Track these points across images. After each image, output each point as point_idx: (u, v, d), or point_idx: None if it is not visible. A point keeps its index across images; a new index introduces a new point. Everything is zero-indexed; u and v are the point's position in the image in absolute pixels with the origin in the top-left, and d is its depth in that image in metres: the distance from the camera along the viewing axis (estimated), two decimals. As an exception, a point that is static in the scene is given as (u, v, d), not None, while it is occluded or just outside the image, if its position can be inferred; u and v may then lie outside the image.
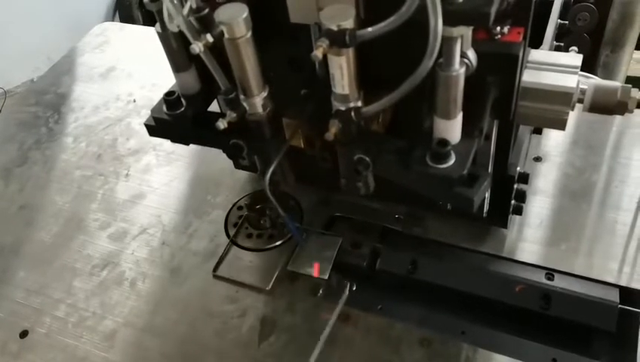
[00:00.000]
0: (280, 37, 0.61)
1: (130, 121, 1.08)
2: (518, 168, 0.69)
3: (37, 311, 0.80)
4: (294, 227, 0.67)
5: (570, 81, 0.59)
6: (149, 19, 0.70)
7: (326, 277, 0.76)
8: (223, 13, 0.52)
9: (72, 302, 0.80)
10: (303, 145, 0.69)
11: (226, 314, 0.75)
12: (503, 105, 0.56)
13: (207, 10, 0.53)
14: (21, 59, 2.57)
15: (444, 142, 0.52)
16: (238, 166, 0.85)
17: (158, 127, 0.68)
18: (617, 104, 0.61)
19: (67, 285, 0.83)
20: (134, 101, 1.12)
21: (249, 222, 0.86)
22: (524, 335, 0.69)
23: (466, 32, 0.48)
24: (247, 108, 0.58)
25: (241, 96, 0.59)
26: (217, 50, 0.56)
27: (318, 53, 0.47)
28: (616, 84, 0.62)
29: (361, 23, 0.53)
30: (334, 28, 0.47)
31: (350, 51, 0.50)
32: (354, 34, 0.47)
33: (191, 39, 0.53)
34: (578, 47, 1.35)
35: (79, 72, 1.23)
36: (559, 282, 0.71)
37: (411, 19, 0.45)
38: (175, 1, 0.53)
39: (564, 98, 0.60)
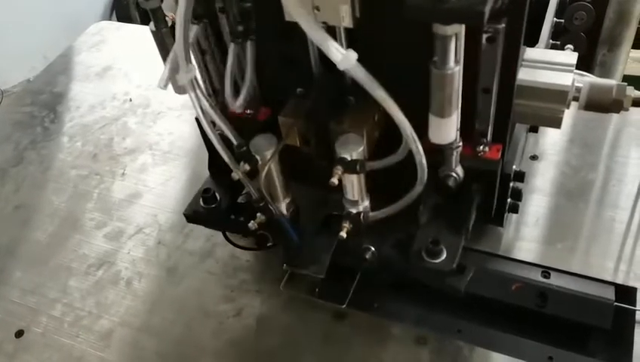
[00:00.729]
0: (275, 36, 0.62)
1: (126, 120, 1.07)
2: (514, 166, 0.69)
3: (33, 311, 0.80)
4: (290, 227, 0.68)
5: (566, 79, 0.59)
6: (146, 19, 0.70)
7: (322, 276, 0.76)
8: (257, 144, 0.62)
9: (67, 302, 0.80)
10: (298, 144, 0.68)
11: (222, 313, 0.75)
12: (486, 207, 0.67)
13: (245, 148, 0.62)
14: (18, 58, 2.56)
15: (436, 242, 0.62)
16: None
17: (195, 217, 0.77)
18: (613, 102, 0.61)
19: (63, 285, 0.82)
20: (130, 100, 1.12)
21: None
22: (520, 334, 0.69)
23: (461, 30, 0.48)
24: (274, 211, 0.66)
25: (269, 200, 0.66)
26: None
27: (334, 180, 0.57)
28: (612, 82, 0.62)
29: (357, 20, 0.53)
30: (348, 158, 0.58)
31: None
32: (364, 165, 0.58)
33: (233, 168, 0.62)
34: (575, 46, 1.35)
35: (75, 71, 1.22)
36: (555, 280, 0.71)
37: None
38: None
39: (559, 96, 0.60)
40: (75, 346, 0.75)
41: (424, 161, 0.54)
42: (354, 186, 0.61)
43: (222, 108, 0.70)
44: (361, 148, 0.58)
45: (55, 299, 0.81)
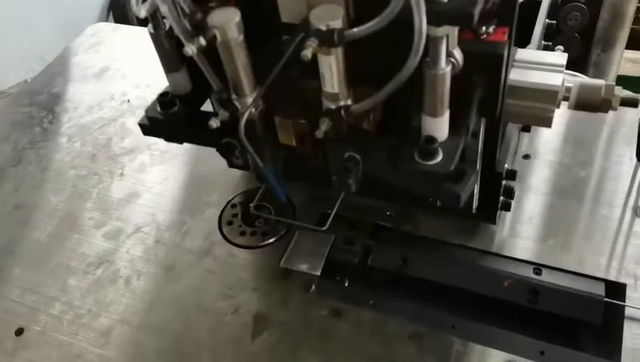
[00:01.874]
0: (271, 36, 0.62)
1: (124, 120, 1.08)
2: (506, 165, 0.70)
3: (32, 309, 0.81)
4: (276, 182, 0.65)
5: (556, 79, 0.61)
6: (143, 20, 0.71)
7: (318, 273, 0.77)
8: (216, 18, 0.53)
9: (67, 300, 0.81)
10: (294, 144, 0.69)
11: (220, 310, 0.76)
12: (489, 104, 0.57)
13: (200, 15, 0.54)
14: (15, 59, 2.57)
15: (431, 140, 0.54)
16: (231, 165, 0.86)
17: (151, 127, 0.69)
18: (601, 102, 0.62)
19: (62, 283, 0.83)
20: (128, 101, 1.13)
21: (243, 219, 0.87)
22: (512, 329, 0.70)
23: (452, 31, 0.49)
24: (239, 107, 0.60)
25: (233, 96, 0.60)
26: (209, 51, 0.57)
27: (307, 53, 0.49)
28: (601, 82, 0.63)
29: (352, 22, 0.54)
30: (323, 28, 0.49)
31: (339, 51, 0.51)
32: (342, 33, 0.49)
33: (185, 42, 0.53)
34: (569, 47, 1.36)
35: (73, 72, 1.23)
36: (547, 277, 0.72)
37: (398, 18, 0.46)
38: (170, 6, 0.54)
39: (549, 96, 0.61)
40: (75, 344, 0.76)
41: (424, 21, 0.44)
42: (333, 71, 0.51)
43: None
44: (340, 19, 0.49)
45: (54, 297, 0.82)
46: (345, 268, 0.78)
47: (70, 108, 1.14)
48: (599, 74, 1.43)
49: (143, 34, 0.63)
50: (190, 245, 0.85)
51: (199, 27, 0.53)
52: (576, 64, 1.37)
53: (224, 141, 0.65)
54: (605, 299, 0.69)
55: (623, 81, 1.57)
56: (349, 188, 0.62)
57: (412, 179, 0.55)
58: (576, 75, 0.72)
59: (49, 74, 1.23)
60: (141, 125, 0.69)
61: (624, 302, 0.69)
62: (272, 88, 0.62)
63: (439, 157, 0.54)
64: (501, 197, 0.74)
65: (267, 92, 0.64)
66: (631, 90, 0.69)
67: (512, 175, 0.71)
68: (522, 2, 0.63)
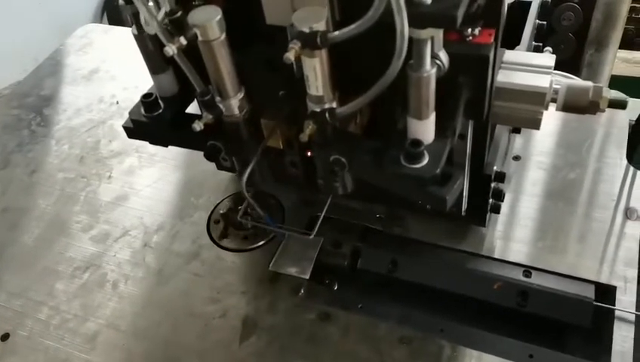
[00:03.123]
0: (257, 38, 0.62)
1: (113, 123, 1.07)
2: (496, 167, 0.70)
3: (19, 314, 0.80)
4: (275, 226, 0.68)
5: (544, 81, 0.60)
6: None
7: (307, 276, 0.77)
8: (196, 16, 0.52)
9: (53, 305, 0.80)
10: (281, 146, 0.69)
11: (208, 314, 0.76)
12: (476, 106, 0.57)
13: (180, 13, 0.53)
14: (9, 60, 2.55)
15: (417, 143, 0.53)
16: (220, 167, 0.85)
17: (136, 129, 0.68)
18: (589, 104, 0.62)
19: (49, 287, 0.82)
20: (117, 103, 1.12)
21: (231, 223, 0.86)
22: (501, 332, 0.70)
23: (437, 33, 0.49)
24: (224, 109, 0.59)
25: (217, 98, 0.59)
26: (193, 52, 0.56)
27: (290, 56, 0.48)
28: (589, 83, 0.62)
29: (337, 24, 0.54)
30: (306, 30, 0.48)
31: (323, 53, 0.51)
32: (325, 36, 0.48)
33: (165, 42, 0.52)
34: (563, 47, 1.36)
35: (62, 74, 1.22)
36: (536, 279, 0.72)
37: (381, 21, 0.45)
38: (150, 4, 0.53)
39: (537, 98, 0.60)
40: (61, 349, 0.75)
41: (406, 23, 0.43)
42: (317, 74, 0.50)
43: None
44: (323, 20, 0.48)
45: (41, 302, 0.81)
46: (334, 271, 0.78)
47: (59, 110, 1.13)
48: (593, 74, 1.43)
49: (131, 36, 0.62)
50: (178, 248, 0.85)
51: (181, 27, 0.52)
52: (569, 64, 1.38)
53: (209, 144, 0.64)
54: (595, 302, 0.69)
55: (617, 81, 1.57)
56: (336, 191, 0.62)
57: (398, 183, 0.55)
58: (567, 76, 0.72)
59: (38, 76, 1.22)
60: (125, 128, 0.68)
61: (614, 304, 0.69)
62: (257, 92, 0.63)
63: (425, 161, 0.53)
64: (490, 200, 0.74)
65: (252, 94, 0.64)
66: (625, 91, 0.69)
67: (501, 177, 0.71)
68: (512, 3, 0.62)
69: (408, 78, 0.51)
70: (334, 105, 0.54)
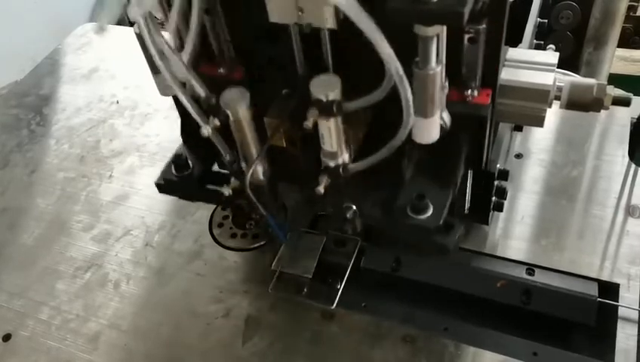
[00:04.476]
0: (260, 36, 0.62)
1: (113, 122, 1.07)
2: (498, 165, 0.70)
3: (20, 314, 0.80)
4: (277, 227, 0.68)
5: (547, 78, 0.60)
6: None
7: (310, 275, 0.77)
8: (227, 98, 0.57)
9: (55, 305, 0.80)
10: (284, 145, 0.69)
11: (210, 314, 0.75)
12: (475, 158, 0.63)
13: (213, 100, 0.57)
14: (6, 60, 2.54)
15: (422, 196, 0.58)
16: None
17: (166, 186, 0.73)
18: (593, 101, 0.62)
19: (50, 288, 0.82)
20: (117, 102, 1.11)
21: (233, 221, 0.86)
22: (505, 330, 0.69)
23: (441, 30, 0.48)
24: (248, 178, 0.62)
25: (243, 164, 0.62)
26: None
27: (309, 123, 0.53)
28: (592, 81, 0.62)
29: (341, 21, 0.54)
30: (323, 99, 0.52)
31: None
32: (340, 106, 0.53)
33: (201, 124, 0.57)
34: (562, 45, 1.36)
35: (61, 73, 1.22)
36: (539, 277, 0.72)
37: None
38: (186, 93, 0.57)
39: (541, 95, 0.60)
40: (63, 349, 0.75)
41: (410, 98, 0.48)
42: (332, 134, 0.55)
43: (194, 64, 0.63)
44: (338, 89, 0.53)
45: (42, 302, 0.81)
46: (337, 270, 0.78)
47: (58, 109, 1.13)
48: (591, 72, 1.43)
49: (132, 34, 0.61)
50: (180, 248, 0.84)
51: (214, 110, 0.57)
52: (568, 62, 1.38)
53: (235, 203, 0.68)
54: (598, 299, 0.69)
55: (615, 79, 1.57)
56: (347, 232, 0.66)
57: (404, 231, 0.59)
58: (568, 74, 0.72)
59: (37, 75, 1.22)
60: (157, 184, 0.73)
61: (617, 302, 0.69)
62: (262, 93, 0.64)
63: (429, 212, 0.58)
64: (493, 198, 0.74)
65: (257, 93, 0.65)
66: (623, 89, 0.69)
67: (504, 175, 0.71)
68: (513, 1, 0.62)
69: (414, 76, 0.51)
70: (347, 158, 0.58)
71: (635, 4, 1.96)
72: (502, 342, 0.68)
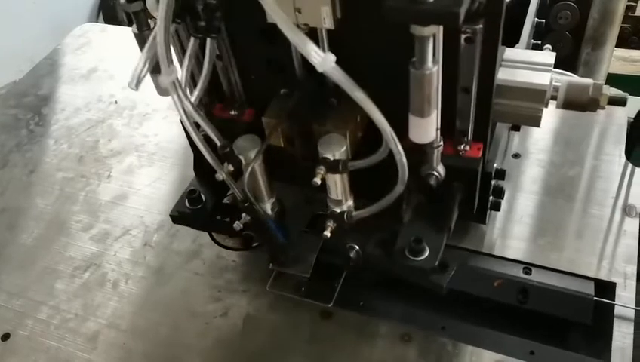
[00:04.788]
0: (258, 38, 0.62)
1: (112, 122, 1.07)
2: (496, 165, 0.70)
3: (19, 314, 0.80)
4: (276, 228, 0.69)
5: (544, 78, 0.60)
6: (131, 20, 0.70)
7: (308, 275, 0.77)
8: (240, 146, 0.62)
9: (54, 304, 0.80)
10: (282, 145, 0.69)
11: (209, 313, 0.76)
12: (468, 204, 0.67)
13: (229, 149, 0.61)
14: (4, 60, 2.54)
15: (419, 240, 0.63)
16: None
17: (180, 218, 0.77)
18: (589, 101, 0.62)
19: (49, 287, 0.82)
20: (116, 102, 1.11)
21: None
22: (502, 329, 0.70)
23: (437, 31, 0.49)
24: (260, 211, 0.67)
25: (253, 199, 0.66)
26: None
27: (317, 180, 0.58)
28: (589, 81, 0.63)
29: (338, 21, 0.54)
30: (330, 158, 0.58)
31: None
32: (346, 164, 0.58)
33: (217, 169, 0.62)
34: (560, 45, 1.36)
35: (60, 73, 1.22)
36: (536, 276, 0.72)
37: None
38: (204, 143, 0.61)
39: (537, 95, 0.61)
40: (62, 349, 0.75)
41: (404, 160, 0.54)
42: (337, 186, 0.61)
43: (206, 110, 0.71)
44: (344, 148, 0.58)
45: (41, 301, 0.81)
46: (335, 269, 0.78)
47: (57, 109, 1.13)
48: (589, 72, 1.43)
49: (130, 34, 0.62)
50: (179, 247, 0.84)
51: (228, 156, 0.62)
52: (566, 63, 1.38)
53: (244, 233, 0.72)
54: (595, 298, 0.69)
55: (614, 79, 1.58)
56: (350, 269, 0.72)
57: (403, 270, 0.65)
58: (565, 74, 0.72)
59: (36, 75, 1.22)
60: (172, 216, 0.77)
61: (614, 300, 0.69)
62: (260, 91, 0.64)
63: (426, 254, 0.63)
64: (491, 197, 0.74)
65: (255, 94, 0.67)
66: (622, 89, 0.69)
67: (501, 174, 0.71)
68: (511, 1, 0.62)
69: (410, 76, 0.51)
70: (351, 204, 0.64)
71: (634, 4, 1.96)
72: (499, 341, 0.68)
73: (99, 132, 1.06)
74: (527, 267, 0.73)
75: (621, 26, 1.36)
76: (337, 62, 0.57)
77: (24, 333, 0.78)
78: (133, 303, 0.79)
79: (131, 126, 1.06)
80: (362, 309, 0.74)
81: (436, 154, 0.61)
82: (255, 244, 0.83)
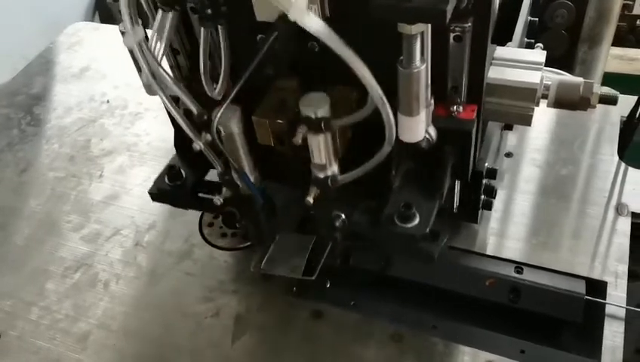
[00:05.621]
0: (248, 35, 0.62)
1: (103, 121, 1.07)
2: (487, 164, 0.70)
3: (9, 315, 0.79)
4: (253, 186, 0.67)
5: (534, 77, 0.60)
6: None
7: (299, 275, 0.76)
8: (219, 114, 0.57)
9: (44, 305, 0.80)
10: (272, 144, 0.69)
11: (200, 314, 0.75)
12: (461, 170, 0.63)
13: (206, 117, 0.58)
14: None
15: (409, 206, 0.58)
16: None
17: (160, 195, 0.74)
18: (580, 99, 0.62)
19: (40, 288, 0.82)
20: (108, 102, 1.11)
21: (223, 221, 0.86)
22: (494, 328, 0.70)
23: (426, 29, 0.48)
24: (241, 185, 0.64)
25: (235, 175, 0.62)
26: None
27: (298, 139, 0.55)
28: (579, 79, 0.62)
29: (327, 20, 0.53)
30: (312, 116, 0.54)
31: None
32: (329, 122, 0.54)
33: (194, 139, 0.59)
34: (557, 44, 1.36)
35: (52, 72, 1.21)
36: (528, 275, 0.72)
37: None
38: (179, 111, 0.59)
39: (528, 94, 0.60)
40: (52, 349, 0.75)
41: (392, 118, 0.50)
42: (320, 148, 0.57)
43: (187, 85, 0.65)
44: (327, 106, 0.54)
45: (32, 302, 0.80)
46: (326, 269, 0.77)
47: (49, 109, 1.12)
48: (586, 71, 1.43)
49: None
50: (170, 247, 0.84)
51: (206, 125, 0.58)
52: (563, 61, 1.38)
53: (227, 210, 0.69)
54: (586, 297, 0.69)
55: (610, 78, 1.58)
56: (336, 240, 0.67)
57: (392, 239, 0.60)
58: (556, 73, 0.72)
59: (28, 74, 1.21)
60: (150, 193, 0.74)
61: (605, 299, 0.69)
62: (249, 87, 0.63)
63: (416, 221, 0.59)
64: (482, 196, 0.74)
65: (244, 90, 0.65)
66: (618, 88, 0.69)
67: (492, 173, 0.71)
68: (503, 0, 0.62)
69: (398, 74, 0.51)
70: (336, 170, 0.59)
71: (630, 2, 1.96)
72: (490, 340, 0.68)
73: (90, 131, 1.05)
74: (519, 266, 0.73)
75: (617, 25, 1.35)
76: (327, 58, 0.57)
77: (14, 334, 0.77)
78: (124, 303, 0.79)
79: (123, 125, 1.05)
80: (354, 309, 0.74)
81: (427, 113, 0.56)
82: (247, 244, 0.82)
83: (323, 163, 0.58)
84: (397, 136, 0.53)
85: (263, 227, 0.70)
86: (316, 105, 0.54)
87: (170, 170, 0.72)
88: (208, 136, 0.58)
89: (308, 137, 0.55)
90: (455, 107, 0.58)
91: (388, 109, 0.50)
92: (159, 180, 0.73)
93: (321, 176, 0.59)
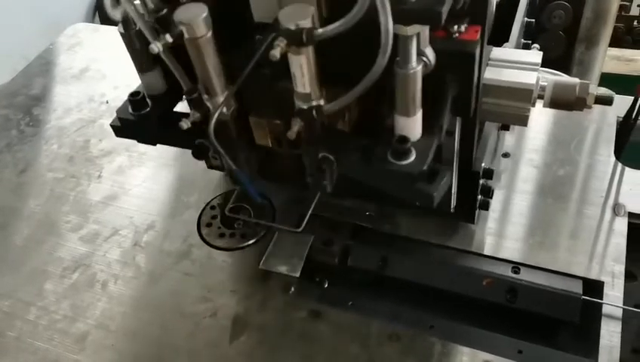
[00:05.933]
0: (245, 36, 0.62)
1: (103, 122, 1.07)
2: (483, 164, 0.70)
3: (7, 315, 0.79)
4: (248, 182, 0.64)
5: (530, 77, 0.61)
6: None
7: (297, 275, 0.77)
8: (182, 14, 0.52)
9: (42, 305, 0.80)
10: (270, 144, 0.69)
11: (198, 314, 0.76)
12: (463, 102, 0.56)
13: (165, 11, 0.53)
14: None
15: (404, 140, 0.53)
16: (210, 166, 0.85)
17: (124, 128, 0.67)
18: (576, 100, 0.62)
19: (38, 288, 0.82)
20: (107, 102, 1.11)
21: (222, 221, 0.86)
22: (491, 328, 0.70)
23: (423, 30, 0.49)
24: (211, 107, 0.58)
25: (205, 96, 0.58)
26: (181, 50, 0.56)
27: (276, 53, 0.48)
28: (575, 80, 0.63)
29: (324, 21, 0.54)
30: (292, 27, 0.47)
31: (309, 50, 0.50)
32: (311, 33, 0.47)
33: (150, 39, 0.52)
34: (554, 45, 1.37)
35: (52, 73, 1.21)
36: (525, 275, 0.72)
37: (367, 18, 0.45)
38: (135, 3, 0.53)
39: (524, 94, 0.61)
40: (51, 349, 0.75)
41: (390, 24, 0.43)
42: (303, 72, 0.50)
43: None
44: (309, 17, 0.47)
45: (30, 302, 0.80)
46: (324, 269, 0.78)
47: (48, 109, 1.12)
48: (583, 71, 1.43)
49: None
50: (169, 247, 0.84)
51: (166, 24, 0.52)
52: (560, 62, 1.38)
53: (197, 142, 0.63)
54: (583, 297, 0.69)
55: (607, 78, 1.58)
56: (325, 189, 0.60)
57: (385, 179, 0.55)
58: (552, 73, 0.72)
59: (27, 75, 1.22)
60: (113, 126, 0.68)
61: (602, 299, 0.69)
62: (246, 87, 0.62)
63: (412, 157, 0.53)
64: (479, 196, 0.74)
65: (241, 91, 0.63)
66: (615, 88, 0.69)
67: (489, 174, 0.71)
68: (500, 1, 0.62)
69: (395, 75, 0.51)
70: (321, 102, 0.54)
71: (627, 3, 1.96)
72: (487, 340, 0.68)
73: (90, 132, 1.05)
74: (516, 266, 0.73)
75: (615, 26, 1.36)
76: (325, 62, 0.57)
77: (13, 334, 0.77)
78: (122, 304, 0.79)
79: (122, 126, 1.05)
80: (352, 309, 0.74)
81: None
82: (245, 244, 0.83)
83: (307, 91, 0.52)
84: (391, 62, 0.47)
85: (239, 158, 0.63)
86: (298, 16, 0.47)
87: (133, 96, 0.63)
88: (168, 37, 0.50)
89: (289, 57, 0.49)
90: (456, 27, 0.52)
91: (387, 8, 0.43)
92: (122, 110, 0.65)
93: (305, 107, 0.53)
